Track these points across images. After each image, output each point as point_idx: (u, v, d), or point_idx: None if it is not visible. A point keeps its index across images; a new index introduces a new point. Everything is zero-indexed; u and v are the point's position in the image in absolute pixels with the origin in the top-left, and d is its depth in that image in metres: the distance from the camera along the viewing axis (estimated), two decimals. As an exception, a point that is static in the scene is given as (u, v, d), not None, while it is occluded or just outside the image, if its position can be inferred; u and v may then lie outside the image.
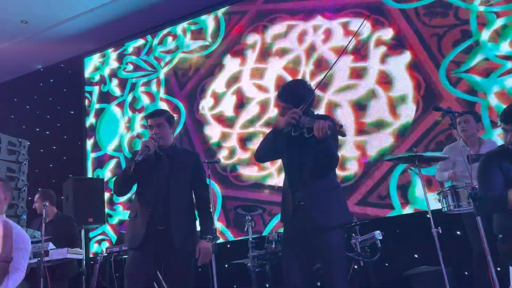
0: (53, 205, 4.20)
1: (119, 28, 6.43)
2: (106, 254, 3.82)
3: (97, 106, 6.71)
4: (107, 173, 6.32)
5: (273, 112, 5.33)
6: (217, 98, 5.79)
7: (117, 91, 6.60)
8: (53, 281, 3.44)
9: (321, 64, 5.25)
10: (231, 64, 5.84)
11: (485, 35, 4.54)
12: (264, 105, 5.47)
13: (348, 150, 4.82)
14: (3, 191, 2.50)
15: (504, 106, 3.02)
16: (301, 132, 2.25)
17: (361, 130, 4.84)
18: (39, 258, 3.30)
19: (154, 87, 6.30)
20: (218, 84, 5.84)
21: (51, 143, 6.89)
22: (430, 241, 3.14)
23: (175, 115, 5.70)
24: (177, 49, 6.28)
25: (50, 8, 5.89)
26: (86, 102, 6.82)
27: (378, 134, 4.75)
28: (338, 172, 4.56)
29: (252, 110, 5.52)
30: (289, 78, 5.32)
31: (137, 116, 6.31)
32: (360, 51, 5.06)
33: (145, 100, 6.33)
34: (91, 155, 6.54)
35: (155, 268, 2.61)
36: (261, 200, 5.07)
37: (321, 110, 5.01)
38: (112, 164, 6.33)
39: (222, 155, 5.48)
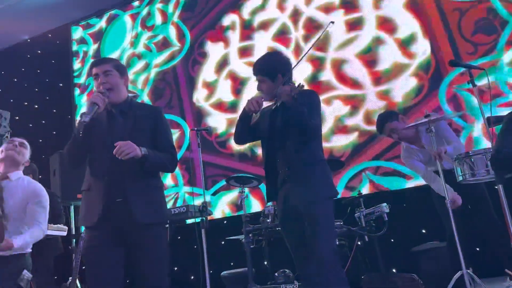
0: (36, 179, 3.94)
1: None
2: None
3: (112, 12, 6.46)
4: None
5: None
6: (210, 86, 5.45)
7: (136, 2, 6.33)
8: (35, 259, 3.22)
9: (312, 26, 4.98)
10: (213, 49, 5.52)
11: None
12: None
13: (372, 103, 4.49)
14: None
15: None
16: (276, 103, 2.27)
17: (378, 79, 4.54)
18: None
19: (171, 7, 5.98)
20: (206, 72, 5.50)
21: (40, 117, 6.60)
22: (438, 216, 2.89)
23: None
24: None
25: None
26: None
27: (399, 79, 4.43)
28: (368, 127, 4.36)
29: (253, 88, 5.16)
30: (281, 47, 5.05)
31: (144, 33, 6.09)
32: (351, 3, 4.82)
33: (158, 18, 6.04)
34: (91, 61, 6.32)
35: (119, 249, 1.97)
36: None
37: (327, 71, 4.77)
38: None
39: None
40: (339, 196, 2.54)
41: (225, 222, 5.01)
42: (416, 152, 2.98)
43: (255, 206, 4.80)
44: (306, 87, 2.17)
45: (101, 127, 2.07)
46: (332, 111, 4.64)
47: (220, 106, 5.34)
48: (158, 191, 2.09)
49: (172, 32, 5.89)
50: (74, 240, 4.61)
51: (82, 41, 6.59)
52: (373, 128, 4.23)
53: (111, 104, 2.10)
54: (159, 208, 2.05)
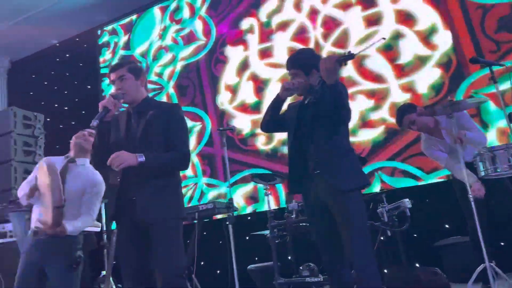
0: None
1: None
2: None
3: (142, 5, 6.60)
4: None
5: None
6: (233, 89, 5.57)
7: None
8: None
9: (330, 24, 5.05)
10: (234, 53, 5.64)
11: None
12: (285, 80, 5.20)
13: (396, 96, 4.53)
14: None
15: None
16: (313, 92, 2.26)
17: (401, 72, 4.57)
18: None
19: (199, 2, 6.13)
20: (228, 76, 5.62)
21: (70, 118, 6.85)
22: (461, 211, 2.93)
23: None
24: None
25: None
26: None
27: (422, 70, 4.45)
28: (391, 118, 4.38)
29: (276, 88, 5.26)
30: (301, 47, 5.08)
31: (172, 26, 6.24)
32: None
33: (186, 12, 6.20)
34: (120, 52, 6.58)
35: (138, 243, 2.10)
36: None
37: (348, 67, 4.81)
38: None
39: (261, 141, 5.22)
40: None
41: (248, 218, 5.14)
42: (436, 143, 3.01)
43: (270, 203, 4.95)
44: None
45: (119, 127, 2.23)
46: (356, 106, 4.66)
47: (243, 108, 5.44)
48: (166, 190, 2.14)
49: (199, 26, 6.01)
50: (105, 236, 4.81)
51: (113, 31, 6.75)
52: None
53: (130, 105, 2.25)
54: (165, 206, 2.10)
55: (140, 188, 2.09)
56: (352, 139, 4.45)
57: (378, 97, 4.64)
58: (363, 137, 4.61)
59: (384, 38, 2.43)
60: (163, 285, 1.99)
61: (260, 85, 5.40)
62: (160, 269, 2.01)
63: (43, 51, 7.38)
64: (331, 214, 2.20)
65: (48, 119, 5.74)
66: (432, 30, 4.49)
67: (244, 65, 5.54)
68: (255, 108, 5.36)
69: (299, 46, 5.17)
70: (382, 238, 3.19)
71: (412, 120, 2.99)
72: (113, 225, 5.37)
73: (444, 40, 4.41)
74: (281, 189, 4.93)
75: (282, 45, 5.33)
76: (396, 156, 4.41)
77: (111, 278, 3.81)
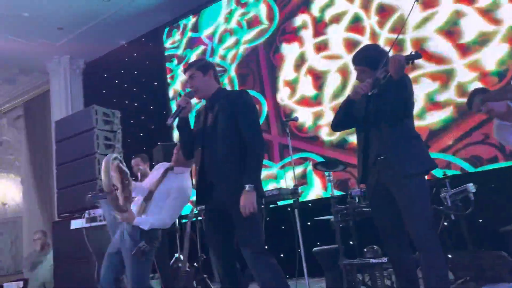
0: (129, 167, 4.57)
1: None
2: (197, 212, 4.07)
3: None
4: (192, 56, 6.67)
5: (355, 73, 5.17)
6: (292, 84, 5.73)
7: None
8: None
9: (386, 10, 5.04)
10: (289, 50, 5.77)
11: None
12: (343, 70, 5.30)
13: (463, 75, 4.48)
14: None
15: None
16: (378, 85, 2.36)
17: (465, 51, 4.51)
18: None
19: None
20: (286, 72, 5.79)
21: (139, 113, 7.37)
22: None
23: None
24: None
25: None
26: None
27: (488, 47, 4.37)
28: (461, 100, 4.36)
29: (334, 79, 5.36)
30: (357, 37, 5.18)
31: (238, 9, 6.41)
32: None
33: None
34: (189, 34, 6.88)
35: (222, 225, 2.33)
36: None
37: (408, 52, 4.75)
38: (200, 49, 6.64)
39: (325, 132, 5.34)
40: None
41: (309, 204, 5.32)
42: (509, 127, 2.98)
43: (317, 190, 5.13)
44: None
45: (200, 120, 2.48)
46: (421, 89, 4.64)
47: (304, 101, 5.58)
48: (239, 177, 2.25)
49: (263, 10, 6.18)
50: (177, 221, 5.22)
51: (183, 15, 7.08)
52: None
53: (206, 100, 2.49)
54: (236, 191, 2.21)
55: (215, 175, 2.29)
56: (420, 122, 4.54)
57: (443, 78, 4.58)
58: (431, 119, 4.57)
59: (417, 0, 2.53)
60: (249, 262, 2.20)
61: (318, 77, 5.51)
62: (243, 247, 2.23)
63: (113, 52, 7.96)
64: (393, 199, 2.28)
65: (120, 115, 6.25)
66: (495, 5, 4.36)
67: (301, 60, 5.67)
68: (316, 100, 5.48)
69: (354, 36, 5.22)
70: (445, 223, 3.24)
71: (482, 105, 2.98)
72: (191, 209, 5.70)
73: (509, 14, 4.26)
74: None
75: (338, 37, 5.39)
76: (460, 140, 4.37)
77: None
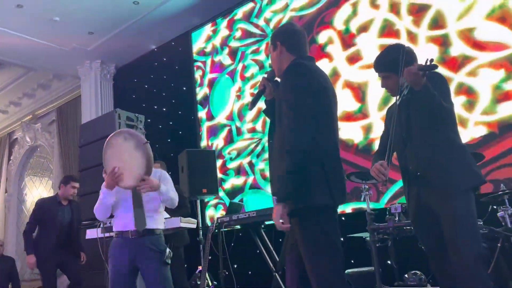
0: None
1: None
2: (217, 224, 3.77)
3: (210, 76, 6.74)
4: (220, 141, 6.39)
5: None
6: None
7: (228, 60, 6.52)
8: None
9: (419, 9, 4.64)
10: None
11: None
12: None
13: None
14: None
15: None
16: (401, 96, 2.09)
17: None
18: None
19: (263, 55, 6.06)
20: None
21: (168, 119, 7.21)
22: None
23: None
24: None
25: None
26: (200, 72, 6.89)
27: None
28: None
29: (377, 87, 4.77)
30: (392, 40, 4.71)
31: (247, 83, 6.18)
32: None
33: (253, 69, 6.15)
34: (206, 124, 6.64)
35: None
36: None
37: (456, 45, 4.35)
38: (224, 132, 6.37)
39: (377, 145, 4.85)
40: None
41: (342, 218, 4.89)
42: None
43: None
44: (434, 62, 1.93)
45: None
46: (483, 81, 4.13)
47: (347, 117, 5.08)
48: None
49: None
50: (201, 232, 4.94)
51: (213, 17, 6.79)
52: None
53: None
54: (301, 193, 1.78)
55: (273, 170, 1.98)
56: (490, 117, 4.05)
57: (506, 65, 4.04)
58: (504, 111, 4.01)
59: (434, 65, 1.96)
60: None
61: (358, 89, 5.07)
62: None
63: (143, 57, 7.88)
64: (437, 220, 1.96)
65: (148, 120, 6.09)
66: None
67: (334, 75, 5.23)
68: (360, 113, 5.01)
69: (390, 41, 4.79)
70: (504, 245, 2.76)
71: None
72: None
73: None
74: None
75: (370, 45, 4.97)
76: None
77: (207, 274, 3.88)
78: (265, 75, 2.08)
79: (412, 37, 4.68)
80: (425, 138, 2.00)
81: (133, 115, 4.92)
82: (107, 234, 3.70)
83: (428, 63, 1.87)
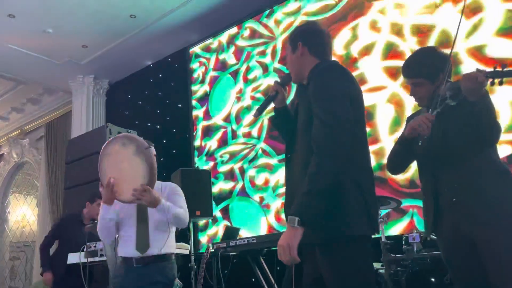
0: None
1: (223, 15, 6.17)
2: (213, 250, 3.45)
3: (212, 73, 6.46)
4: (214, 142, 6.16)
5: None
6: None
7: (232, 60, 6.24)
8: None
9: (422, 30, 4.45)
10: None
11: None
12: (395, 99, 4.58)
13: None
14: None
15: None
16: (441, 105, 1.75)
17: None
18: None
19: (268, 58, 5.81)
20: None
21: (161, 137, 6.93)
22: None
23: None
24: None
25: (156, 0, 5.84)
26: (203, 68, 6.59)
27: None
28: None
29: (386, 111, 4.62)
30: (398, 62, 4.51)
31: (248, 85, 5.93)
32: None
33: (257, 71, 5.90)
34: (202, 123, 6.40)
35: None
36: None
37: (466, 64, 4.14)
38: (219, 134, 6.12)
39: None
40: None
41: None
42: None
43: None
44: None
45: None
46: (501, 98, 3.81)
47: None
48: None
49: None
50: (193, 258, 4.61)
51: (211, 35, 6.56)
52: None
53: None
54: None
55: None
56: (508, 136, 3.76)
57: None
58: None
59: None
60: None
61: (366, 113, 4.82)
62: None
63: (138, 72, 7.65)
64: (475, 250, 1.70)
65: (141, 137, 5.81)
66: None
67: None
68: (370, 138, 4.67)
69: (395, 62, 4.62)
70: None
71: None
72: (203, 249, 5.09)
73: None
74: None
75: (375, 68, 4.77)
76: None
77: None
78: (278, 80, 1.81)
79: (418, 58, 4.52)
80: (467, 159, 1.74)
81: (124, 130, 4.65)
82: (91, 259, 3.37)
83: (499, 68, 1.56)
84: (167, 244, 2.32)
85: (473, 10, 4.21)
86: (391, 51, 4.72)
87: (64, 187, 4.76)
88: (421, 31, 4.54)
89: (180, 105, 6.89)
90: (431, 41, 4.46)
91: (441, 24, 4.41)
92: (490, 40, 4.09)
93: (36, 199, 8.89)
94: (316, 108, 1.52)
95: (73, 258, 3.48)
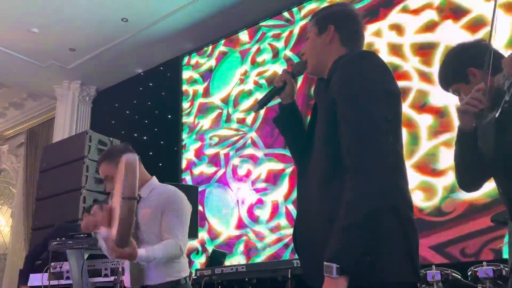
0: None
1: (220, 23, 5.87)
2: (196, 277, 3.04)
3: (222, 48, 6.10)
4: (207, 122, 5.86)
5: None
6: None
7: (245, 37, 5.87)
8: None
9: (424, 49, 4.24)
10: None
11: None
12: (406, 123, 4.22)
13: None
14: None
15: None
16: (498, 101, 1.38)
17: None
18: (115, 277, 2.64)
19: (281, 43, 5.45)
20: None
21: (148, 149, 6.52)
22: None
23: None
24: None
25: (150, 3, 5.53)
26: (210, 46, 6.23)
27: None
28: None
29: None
30: (404, 83, 4.26)
31: (255, 68, 5.60)
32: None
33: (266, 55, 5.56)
34: (199, 99, 6.11)
35: None
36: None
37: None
38: (214, 114, 5.82)
39: (418, 198, 3.97)
40: None
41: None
42: None
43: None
44: None
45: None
46: None
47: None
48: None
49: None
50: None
51: (206, 44, 6.30)
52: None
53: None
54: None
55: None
56: None
57: None
58: None
59: None
60: None
61: None
62: None
63: (128, 80, 7.29)
64: None
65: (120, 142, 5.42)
66: None
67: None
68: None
69: (401, 83, 4.34)
70: None
71: None
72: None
73: None
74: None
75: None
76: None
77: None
78: (287, 69, 1.41)
79: (425, 77, 4.22)
80: None
81: (106, 138, 4.27)
82: (55, 283, 2.92)
83: None
84: (166, 271, 2.07)
85: (475, 23, 3.98)
86: (393, 72, 4.41)
87: (36, 197, 4.32)
88: (423, 50, 4.26)
89: (169, 116, 6.52)
90: (436, 60, 4.19)
91: (445, 41, 4.12)
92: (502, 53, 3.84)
93: (11, 209, 8.36)
94: (345, 108, 1.16)
95: (35, 279, 3.02)
